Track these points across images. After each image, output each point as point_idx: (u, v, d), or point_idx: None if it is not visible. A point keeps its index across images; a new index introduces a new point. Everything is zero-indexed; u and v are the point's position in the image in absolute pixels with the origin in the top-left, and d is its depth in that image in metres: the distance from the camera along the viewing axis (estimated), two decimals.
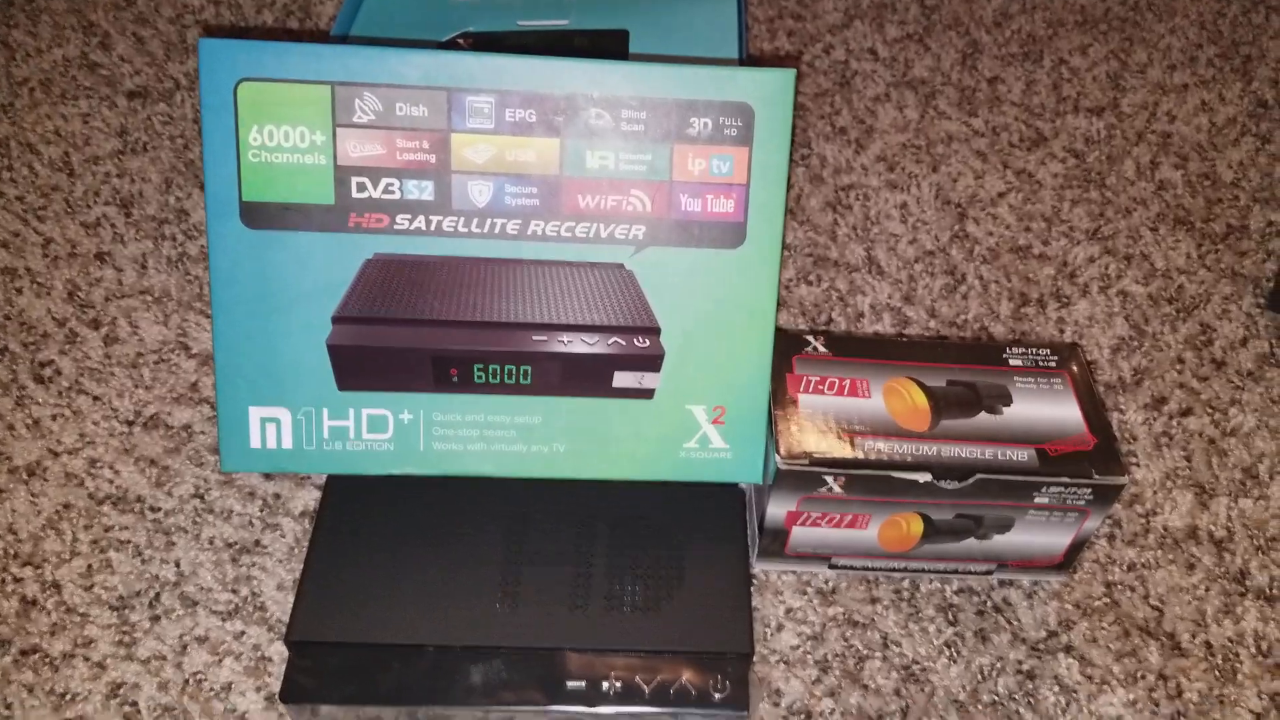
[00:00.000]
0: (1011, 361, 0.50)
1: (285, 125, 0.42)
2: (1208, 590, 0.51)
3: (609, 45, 0.60)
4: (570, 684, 0.42)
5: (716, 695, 0.43)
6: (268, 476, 0.51)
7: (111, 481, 0.51)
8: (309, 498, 0.51)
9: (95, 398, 0.54)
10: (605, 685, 0.42)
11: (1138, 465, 0.56)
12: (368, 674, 0.42)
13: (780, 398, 0.47)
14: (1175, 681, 0.47)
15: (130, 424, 0.53)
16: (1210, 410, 0.59)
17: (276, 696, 0.43)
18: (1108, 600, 0.50)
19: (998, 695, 0.46)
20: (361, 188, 0.43)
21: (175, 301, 0.59)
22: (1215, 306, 0.64)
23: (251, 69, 0.41)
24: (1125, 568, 0.51)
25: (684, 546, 0.47)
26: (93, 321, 0.58)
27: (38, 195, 0.64)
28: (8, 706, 0.43)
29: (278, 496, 0.51)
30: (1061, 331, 0.62)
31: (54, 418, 0.53)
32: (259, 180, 0.42)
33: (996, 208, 0.69)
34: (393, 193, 0.43)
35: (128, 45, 0.75)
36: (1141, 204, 0.70)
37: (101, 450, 0.52)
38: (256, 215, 0.43)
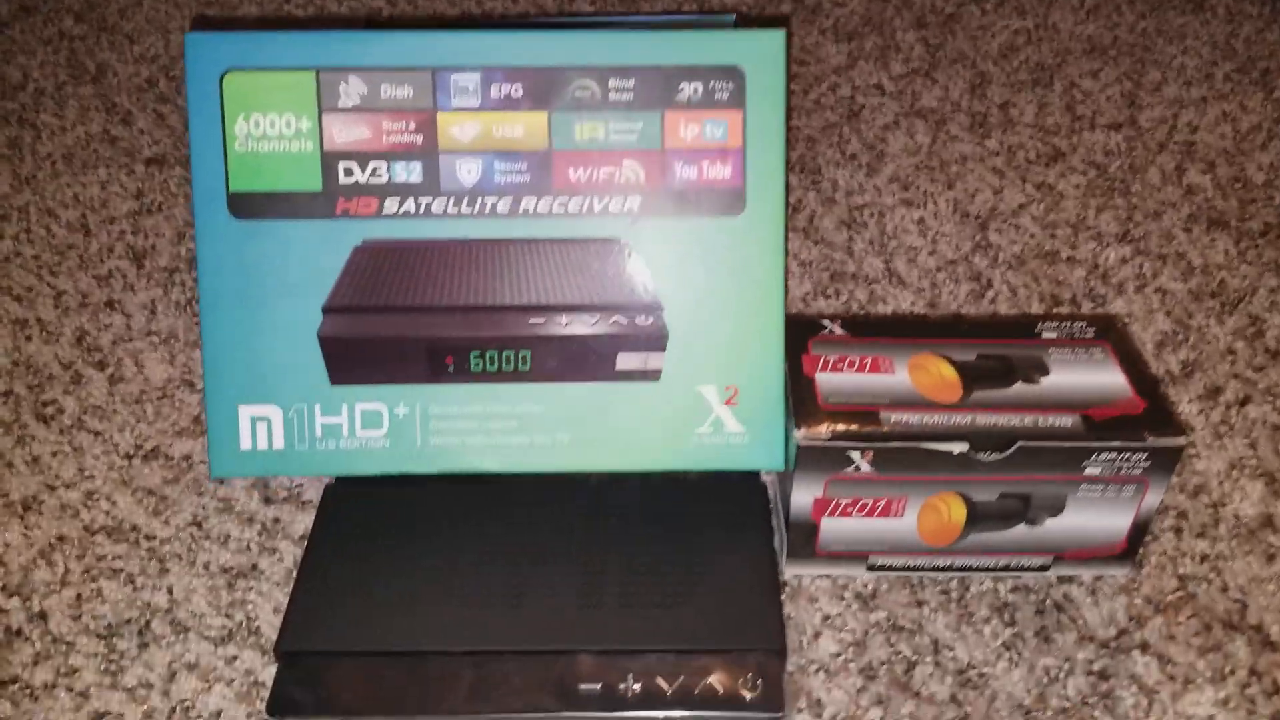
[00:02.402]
0: (1045, 335, 0.47)
1: (271, 113, 0.41)
2: None
3: None
4: (584, 687, 0.38)
5: (748, 695, 0.38)
6: (267, 501, 0.49)
7: (108, 512, 0.49)
8: (309, 520, 0.48)
9: (96, 433, 0.53)
10: (622, 687, 0.38)
11: (1198, 456, 0.51)
12: (364, 684, 0.39)
13: (797, 377, 0.44)
14: (1271, 677, 0.42)
15: (130, 457, 0.51)
16: (1271, 397, 0.54)
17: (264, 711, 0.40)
18: (1183, 594, 0.45)
19: (1068, 699, 0.41)
20: (349, 172, 0.42)
21: (182, 342, 0.58)
22: (1262, 299, 0.61)
23: (237, 59, 0.41)
24: (1198, 559, 0.47)
25: (704, 538, 0.43)
26: (99, 363, 0.57)
27: (53, 253, 0.65)
28: None
29: (277, 521, 0.48)
30: None
31: (54, 454, 0.52)
32: (246, 170, 0.42)
33: (1018, 218, 0.67)
34: (380, 176, 0.42)
35: (148, 120, 0.77)
36: (1171, 207, 0.68)
37: (100, 483, 0.50)
38: (244, 205, 0.42)
